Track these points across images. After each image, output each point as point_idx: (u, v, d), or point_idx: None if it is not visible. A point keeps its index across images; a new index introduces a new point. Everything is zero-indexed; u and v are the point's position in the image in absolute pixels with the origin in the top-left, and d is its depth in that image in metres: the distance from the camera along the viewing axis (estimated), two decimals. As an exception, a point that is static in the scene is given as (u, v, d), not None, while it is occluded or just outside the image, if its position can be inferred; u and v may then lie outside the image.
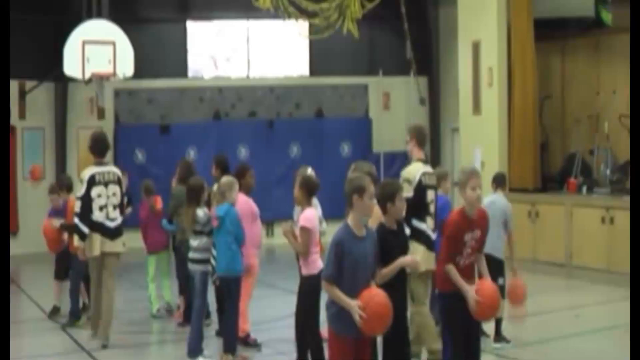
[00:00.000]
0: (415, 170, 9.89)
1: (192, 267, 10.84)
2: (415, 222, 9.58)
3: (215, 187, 10.83)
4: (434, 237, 9.70)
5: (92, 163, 11.98)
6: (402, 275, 8.12)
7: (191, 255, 10.84)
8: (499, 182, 11.97)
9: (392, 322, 7.19)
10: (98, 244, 11.67)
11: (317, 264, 9.36)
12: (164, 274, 13.94)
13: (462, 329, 8.00)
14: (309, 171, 10.75)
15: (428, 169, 10.07)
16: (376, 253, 7.28)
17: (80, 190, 11.78)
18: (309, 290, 9.44)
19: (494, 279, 9.68)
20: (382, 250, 7.56)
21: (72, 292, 13.17)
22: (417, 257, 8.11)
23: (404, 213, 8.20)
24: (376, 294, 7.00)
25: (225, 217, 10.49)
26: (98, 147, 11.96)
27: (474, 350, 8.13)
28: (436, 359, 9.42)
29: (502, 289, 10.89)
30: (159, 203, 13.81)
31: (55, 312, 13.94)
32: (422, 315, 9.71)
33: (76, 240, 11.84)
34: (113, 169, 12.14)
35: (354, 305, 6.86)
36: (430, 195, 9.84)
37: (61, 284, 13.77)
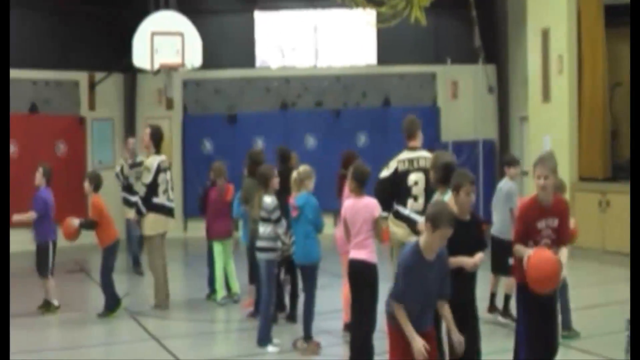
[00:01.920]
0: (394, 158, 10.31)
1: (258, 255, 10.87)
2: (396, 206, 9.96)
3: (294, 175, 10.87)
4: (417, 217, 9.71)
5: (152, 153, 13.61)
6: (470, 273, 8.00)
7: (258, 243, 10.87)
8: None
9: (461, 318, 7.32)
10: (163, 223, 13.51)
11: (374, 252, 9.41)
12: (229, 261, 13.98)
13: (539, 326, 7.79)
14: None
15: (412, 155, 10.31)
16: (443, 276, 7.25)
17: (147, 177, 13.34)
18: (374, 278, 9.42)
19: (505, 259, 10.75)
20: (448, 241, 7.39)
21: (106, 285, 13.08)
22: (477, 259, 7.86)
23: (469, 205, 7.93)
24: None
25: (305, 206, 10.54)
26: (159, 139, 13.71)
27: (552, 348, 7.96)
28: None
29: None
30: (229, 194, 13.81)
31: (47, 307, 13.47)
32: None
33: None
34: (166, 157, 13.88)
35: (419, 343, 6.91)
36: (413, 178, 10.03)
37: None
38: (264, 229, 10.76)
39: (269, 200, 10.73)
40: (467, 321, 7.71)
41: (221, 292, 13.82)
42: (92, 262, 19.95)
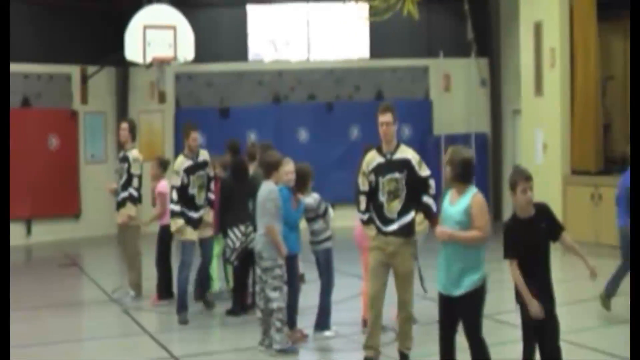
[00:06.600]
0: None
1: (316, 247, 11.01)
2: None
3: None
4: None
5: (133, 147, 13.93)
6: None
7: (315, 238, 11.01)
8: None
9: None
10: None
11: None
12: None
13: None
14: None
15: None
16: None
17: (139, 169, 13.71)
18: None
19: None
20: (506, 239, 7.62)
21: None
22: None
23: (526, 203, 7.59)
24: None
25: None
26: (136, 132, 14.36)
27: None
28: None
29: None
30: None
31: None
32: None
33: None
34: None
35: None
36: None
37: None
38: (317, 226, 10.93)
39: (311, 200, 10.91)
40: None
41: (218, 283, 13.73)
42: (86, 255, 19.99)
